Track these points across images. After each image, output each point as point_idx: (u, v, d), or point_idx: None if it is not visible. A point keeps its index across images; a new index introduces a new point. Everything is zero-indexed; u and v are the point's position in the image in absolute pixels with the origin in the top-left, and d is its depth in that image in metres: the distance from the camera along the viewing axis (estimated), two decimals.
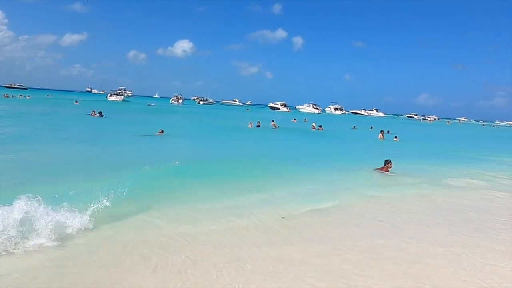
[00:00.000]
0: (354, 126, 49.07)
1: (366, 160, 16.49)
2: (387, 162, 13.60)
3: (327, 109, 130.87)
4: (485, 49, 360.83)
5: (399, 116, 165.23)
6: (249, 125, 35.80)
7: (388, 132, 37.03)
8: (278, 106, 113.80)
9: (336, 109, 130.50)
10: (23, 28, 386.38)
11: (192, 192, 9.67)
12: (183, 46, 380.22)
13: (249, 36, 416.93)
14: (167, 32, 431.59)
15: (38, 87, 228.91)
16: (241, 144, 22.42)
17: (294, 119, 55.56)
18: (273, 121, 38.40)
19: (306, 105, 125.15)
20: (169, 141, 21.79)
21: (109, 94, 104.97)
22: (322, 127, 39.01)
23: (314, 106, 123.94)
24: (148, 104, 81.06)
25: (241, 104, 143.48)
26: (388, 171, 13.58)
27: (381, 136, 32.99)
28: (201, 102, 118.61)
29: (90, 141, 19.49)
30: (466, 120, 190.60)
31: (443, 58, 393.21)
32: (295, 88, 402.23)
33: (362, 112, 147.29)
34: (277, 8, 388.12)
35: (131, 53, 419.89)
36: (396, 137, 32.70)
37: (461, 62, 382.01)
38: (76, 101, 65.67)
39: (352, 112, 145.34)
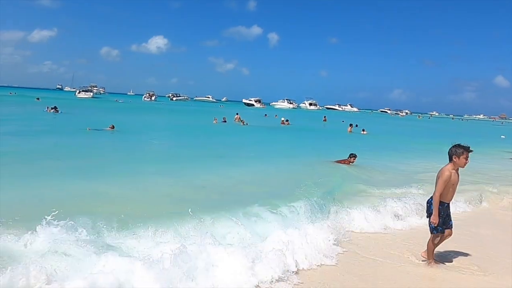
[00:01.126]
0: (325, 117, 49.16)
1: (325, 153, 15.72)
2: (352, 155, 12.92)
3: (301, 105, 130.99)
4: (453, 46, 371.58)
5: (373, 111, 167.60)
6: (214, 121, 34.87)
7: (356, 125, 37.18)
8: (253, 102, 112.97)
9: (310, 104, 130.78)
10: None
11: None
12: (157, 42, 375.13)
13: (225, 32, 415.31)
14: (141, 28, 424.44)
15: (5, 85, 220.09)
16: (192, 141, 20.63)
17: (265, 115, 54.84)
18: (237, 114, 38.01)
19: (281, 101, 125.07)
20: (113, 136, 20.40)
21: (78, 91, 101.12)
22: (289, 121, 38.61)
23: (289, 102, 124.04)
24: (116, 100, 78.74)
25: (214, 100, 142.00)
26: (349, 164, 12.91)
27: (350, 130, 32.78)
28: (174, 99, 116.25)
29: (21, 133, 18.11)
30: (437, 114, 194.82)
31: (413, 54, 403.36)
32: (271, 84, 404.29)
33: (337, 107, 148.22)
34: (252, 4, 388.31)
35: (104, 50, 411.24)
36: (363, 130, 32.61)
37: (430, 58, 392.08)
38: (37, 98, 62.58)
39: (326, 108, 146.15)
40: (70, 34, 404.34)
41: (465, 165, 5.17)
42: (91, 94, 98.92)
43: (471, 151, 5.13)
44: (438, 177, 5.21)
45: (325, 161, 13.73)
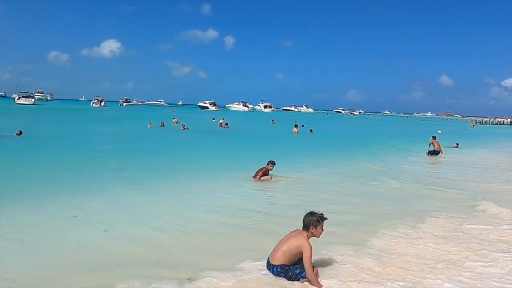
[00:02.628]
0: (273, 120, 48.64)
1: (246, 162, 14.41)
2: (270, 162, 11.51)
3: (257, 107, 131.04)
4: (402, 47, 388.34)
5: (329, 112, 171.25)
6: (149, 126, 33.41)
7: (302, 126, 37.15)
8: (207, 105, 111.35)
9: (265, 106, 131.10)
10: None
11: None
12: (110, 46, 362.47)
13: (180, 36, 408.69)
14: (92, 32, 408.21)
15: None
16: (99, 149, 18.34)
17: (213, 119, 53.28)
18: (174, 118, 36.78)
19: (236, 103, 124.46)
20: (14, 143, 18.38)
21: (17, 97, 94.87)
22: (228, 125, 37.70)
23: (244, 104, 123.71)
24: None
25: (166, 104, 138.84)
26: (267, 171, 11.42)
27: (295, 130, 32.16)
28: (124, 104, 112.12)
29: None
30: (389, 113, 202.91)
31: (366, 55, 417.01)
32: (228, 87, 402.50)
33: (293, 108, 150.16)
34: (207, 8, 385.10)
35: (52, 54, 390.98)
36: (311, 130, 32.30)
37: (382, 59, 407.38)
38: None
39: (283, 109, 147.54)
40: (14, 39, 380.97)
41: (321, 234, 4.89)
42: (32, 100, 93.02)
43: (325, 218, 4.88)
44: (301, 251, 4.69)
45: (240, 175, 11.90)
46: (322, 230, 4.85)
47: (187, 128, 32.07)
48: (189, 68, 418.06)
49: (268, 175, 11.43)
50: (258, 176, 11.27)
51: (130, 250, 5.81)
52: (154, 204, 8.49)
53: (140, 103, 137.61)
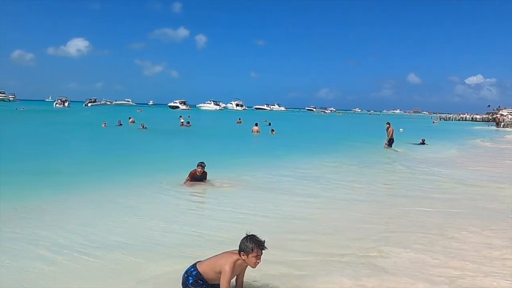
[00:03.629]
0: (239, 119, 48.09)
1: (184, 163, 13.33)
2: (199, 164, 10.55)
3: (229, 105, 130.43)
4: (372, 45, 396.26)
5: (301, 110, 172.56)
6: (103, 125, 32.46)
7: (269, 124, 36.60)
8: (178, 104, 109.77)
9: (237, 105, 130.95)
10: None
11: None
12: (77, 45, 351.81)
13: (150, 34, 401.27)
14: (58, 30, 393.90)
15: None
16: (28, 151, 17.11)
17: (181, 117, 52.19)
18: (130, 117, 36.59)
19: (208, 102, 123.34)
20: None
21: None
22: (190, 123, 36.74)
23: (215, 103, 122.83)
24: (16, 109, 71.40)
25: (134, 104, 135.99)
26: (196, 174, 10.47)
27: (256, 129, 31.31)
28: (90, 104, 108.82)
29: None
30: (359, 110, 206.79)
31: (337, 54, 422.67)
32: (201, 86, 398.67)
33: (265, 107, 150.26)
34: (177, 6, 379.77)
35: (16, 53, 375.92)
36: (272, 130, 31.40)
37: (352, 58, 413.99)
38: None
39: (255, 108, 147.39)
40: None
41: (255, 265, 4.12)
42: None
43: (265, 248, 4.11)
44: (220, 271, 4.12)
45: (171, 180, 10.87)
46: (257, 260, 4.11)
47: (146, 128, 31.11)
48: (160, 67, 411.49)
49: (201, 178, 10.68)
50: (186, 181, 10.55)
51: None
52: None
53: (109, 103, 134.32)
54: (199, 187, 10.35)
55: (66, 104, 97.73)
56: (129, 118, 36.83)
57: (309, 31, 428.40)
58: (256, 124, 31.67)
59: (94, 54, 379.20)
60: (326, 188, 10.74)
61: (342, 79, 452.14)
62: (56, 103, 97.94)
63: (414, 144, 25.12)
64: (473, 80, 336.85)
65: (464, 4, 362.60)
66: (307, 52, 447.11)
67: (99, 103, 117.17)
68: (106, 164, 14.22)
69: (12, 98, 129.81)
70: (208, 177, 10.79)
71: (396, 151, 20.31)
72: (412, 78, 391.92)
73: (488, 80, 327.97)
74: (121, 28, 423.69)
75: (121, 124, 33.20)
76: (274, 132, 30.81)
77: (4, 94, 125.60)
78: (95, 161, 14.81)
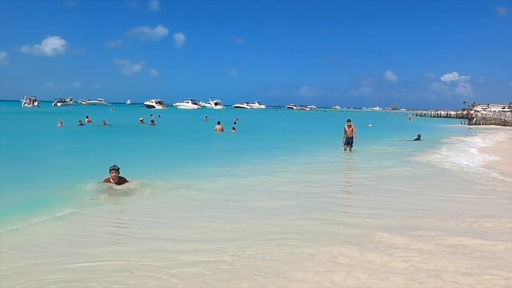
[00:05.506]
0: (206, 117, 46.89)
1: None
2: (110, 169, 9.07)
3: (207, 105, 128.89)
4: (348, 42, 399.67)
5: (281, 107, 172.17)
6: (59, 124, 30.87)
7: (234, 123, 35.57)
8: (153, 104, 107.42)
9: (216, 103, 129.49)
10: None
11: None
12: (53, 44, 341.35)
13: (128, 33, 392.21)
14: (31, 28, 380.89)
15: None
16: None
17: (151, 115, 50.54)
18: (87, 117, 35.78)
19: (185, 101, 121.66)
20: None
21: None
22: (154, 122, 35.48)
23: (193, 102, 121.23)
24: None
25: (107, 103, 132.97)
26: (109, 181, 9.04)
27: (220, 128, 30.22)
28: (58, 104, 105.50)
29: None
30: (339, 108, 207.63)
31: (315, 51, 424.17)
32: (180, 85, 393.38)
33: (245, 105, 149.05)
34: (155, 4, 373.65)
35: None
36: (234, 128, 30.41)
37: (330, 55, 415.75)
38: None
39: (234, 106, 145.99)
40: None
41: None
42: None
43: None
44: None
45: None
46: None
47: (108, 124, 30.05)
48: (139, 66, 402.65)
49: (121, 182, 9.27)
50: None
51: None
52: None
53: (84, 102, 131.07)
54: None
55: (35, 103, 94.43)
56: (86, 117, 35.65)
57: (287, 29, 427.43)
58: (219, 123, 30.72)
59: (70, 52, 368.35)
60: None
61: (321, 77, 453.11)
62: (25, 103, 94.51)
63: (408, 140, 24.80)
64: (448, 77, 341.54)
65: (438, 0, 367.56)
66: (286, 50, 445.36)
67: (69, 102, 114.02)
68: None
69: None
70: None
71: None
72: (390, 75, 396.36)
73: (463, 77, 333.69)
74: (97, 26, 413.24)
75: (82, 124, 32.35)
76: (235, 131, 29.92)
77: None
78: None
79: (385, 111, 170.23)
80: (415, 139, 25.21)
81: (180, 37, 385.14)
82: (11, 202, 7.81)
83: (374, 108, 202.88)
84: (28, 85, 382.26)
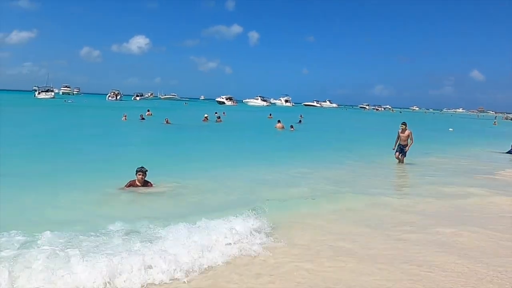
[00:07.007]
0: (270, 115, 46.40)
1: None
2: (138, 172, 8.68)
3: (277, 102, 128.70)
4: (426, 40, 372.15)
5: (353, 107, 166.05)
6: (123, 118, 32.10)
7: (299, 121, 34.84)
8: (224, 100, 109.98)
9: (286, 101, 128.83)
10: None
11: None
12: (138, 42, 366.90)
13: (205, 32, 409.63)
14: (121, 28, 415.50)
15: None
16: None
17: (216, 113, 51.19)
18: (148, 110, 37.54)
19: (255, 98, 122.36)
20: None
21: (38, 92, 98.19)
22: (221, 118, 35.57)
23: (262, 99, 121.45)
24: (65, 101, 75.54)
25: (179, 98, 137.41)
26: (135, 184, 8.71)
27: (280, 126, 29.61)
28: (138, 98, 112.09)
29: None
30: (417, 109, 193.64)
31: (390, 49, 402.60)
32: (252, 82, 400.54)
33: (315, 103, 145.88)
34: (230, 4, 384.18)
35: (84, 50, 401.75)
36: (292, 126, 29.74)
37: (405, 54, 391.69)
38: None
39: (304, 104, 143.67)
40: (50, 35, 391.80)
41: None
42: (52, 94, 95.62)
43: None
44: None
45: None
46: None
47: (170, 123, 30.15)
48: (214, 63, 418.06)
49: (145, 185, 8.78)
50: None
51: None
52: None
53: (162, 97, 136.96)
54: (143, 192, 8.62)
55: (118, 97, 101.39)
56: (148, 110, 37.43)
57: (359, 27, 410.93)
58: (279, 121, 30.20)
59: (153, 50, 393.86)
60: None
61: (396, 75, 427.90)
62: (109, 96, 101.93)
63: (501, 153, 19.58)
64: None
65: None
66: (360, 48, 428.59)
67: (148, 97, 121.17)
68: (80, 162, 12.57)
69: (76, 92, 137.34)
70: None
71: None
72: (476, 75, 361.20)
73: None
74: (176, 25, 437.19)
75: (143, 118, 33.08)
76: (293, 129, 29.25)
77: (69, 88, 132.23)
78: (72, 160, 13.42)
79: (469, 113, 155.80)
80: (508, 152, 19.36)
81: (253, 35, 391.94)
82: None
83: (457, 110, 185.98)
84: (115, 80, 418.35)
